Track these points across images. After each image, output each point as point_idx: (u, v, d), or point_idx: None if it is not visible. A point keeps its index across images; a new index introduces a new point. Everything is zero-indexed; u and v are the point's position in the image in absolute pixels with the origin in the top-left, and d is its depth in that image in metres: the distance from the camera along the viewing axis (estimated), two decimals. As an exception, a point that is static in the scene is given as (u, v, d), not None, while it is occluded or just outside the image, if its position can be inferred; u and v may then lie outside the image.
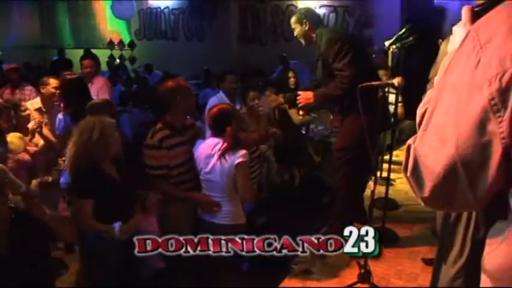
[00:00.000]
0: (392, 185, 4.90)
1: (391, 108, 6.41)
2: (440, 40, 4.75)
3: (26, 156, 4.04)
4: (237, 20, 11.95)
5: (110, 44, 13.92)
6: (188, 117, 3.79)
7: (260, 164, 4.66)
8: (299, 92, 4.25)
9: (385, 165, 4.97)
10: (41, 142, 4.45)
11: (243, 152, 3.49)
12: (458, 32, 1.22)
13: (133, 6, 13.38)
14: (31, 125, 4.41)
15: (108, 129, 3.29)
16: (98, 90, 5.82)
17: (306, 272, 3.77)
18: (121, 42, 13.87)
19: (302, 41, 4.28)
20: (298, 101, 4.19)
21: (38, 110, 4.93)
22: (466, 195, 1.05)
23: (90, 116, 3.51)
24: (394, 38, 3.84)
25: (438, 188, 1.07)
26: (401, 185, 5.32)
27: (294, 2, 11.20)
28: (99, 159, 3.25)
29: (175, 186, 3.55)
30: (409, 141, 1.14)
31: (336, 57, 3.90)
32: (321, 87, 4.15)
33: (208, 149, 3.52)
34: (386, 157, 4.98)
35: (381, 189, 4.00)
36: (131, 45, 13.63)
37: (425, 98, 1.18)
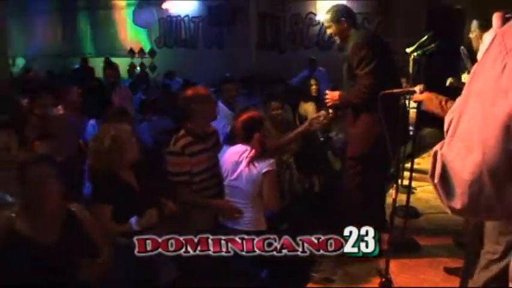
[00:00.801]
0: (413, 193, 4.85)
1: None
2: (462, 47, 4.70)
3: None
4: (256, 28, 12.00)
5: (131, 52, 14.07)
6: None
7: (283, 171, 4.65)
8: (326, 92, 4.15)
9: (406, 173, 4.93)
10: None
11: (271, 160, 3.49)
12: (488, 39, 1.21)
13: (153, 15, 13.54)
14: None
15: (122, 136, 3.31)
16: (121, 98, 5.89)
17: (327, 280, 3.74)
18: (141, 51, 14.01)
19: (337, 39, 4.07)
20: (325, 101, 4.07)
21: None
22: (492, 204, 1.03)
23: (105, 124, 3.54)
24: (415, 45, 3.82)
25: (466, 195, 1.05)
26: (422, 193, 5.26)
27: (313, 10, 11.22)
28: (115, 166, 3.26)
29: (197, 193, 3.57)
30: (436, 147, 1.12)
31: (360, 64, 3.75)
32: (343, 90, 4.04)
33: (236, 155, 3.53)
34: (407, 165, 4.94)
35: (401, 197, 3.96)
36: (151, 53, 13.76)
37: (454, 105, 1.16)
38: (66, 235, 2.73)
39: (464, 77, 4.60)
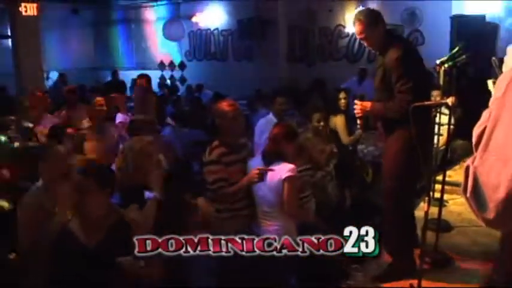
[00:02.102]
0: (445, 206, 4.78)
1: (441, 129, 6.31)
2: (493, 58, 4.64)
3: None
4: (286, 41, 12.05)
5: (161, 65, 14.27)
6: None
7: (327, 182, 4.66)
8: (356, 102, 3.90)
9: (437, 186, 4.87)
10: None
11: (290, 166, 3.49)
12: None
13: (183, 28, 13.71)
14: None
15: (148, 149, 3.36)
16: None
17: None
18: (171, 64, 14.19)
19: (369, 44, 3.78)
20: (355, 110, 3.86)
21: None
22: None
23: (133, 137, 3.60)
24: (446, 56, 3.78)
25: (501, 208, 1.04)
26: (454, 206, 5.18)
27: (342, 22, 11.21)
28: (141, 178, 3.32)
29: (229, 204, 3.60)
30: (468, 161, 1.12)
31: (402, 78, 3.53)
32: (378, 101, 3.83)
33: (261, 163, 3.57)
34: (439, 177, 4.88)
35: (433, 210, 3.90)
36: (181, 66, 13.92)
37: (482, 118, 1.16)
38: (110, 238, 2.87)
39: (490, 86, 4.53)
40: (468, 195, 1.10)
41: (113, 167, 3.93)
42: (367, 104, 3.79)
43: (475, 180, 1.09)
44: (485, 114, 1.16)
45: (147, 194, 3.25)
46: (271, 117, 5.39)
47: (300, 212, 3.79)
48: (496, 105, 1.11)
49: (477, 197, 1.10)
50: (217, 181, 3.57)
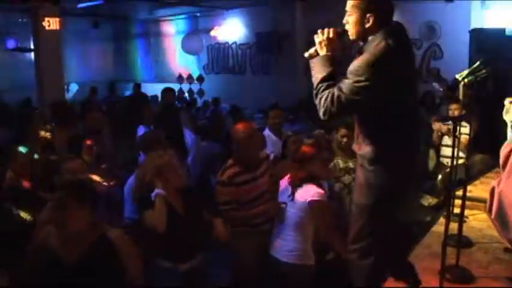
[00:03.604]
0: (465, 221, 4.72)
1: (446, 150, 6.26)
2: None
3: (102, 187, 4.20)
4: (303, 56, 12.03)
5: (179, 79, 14.39)
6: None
7: (344, 195, 4.61)
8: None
9: (457, 201, 4.81)
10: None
11: (317, 190, 3.46)
12: None
13: (202, 42, 13.83)
14: None
15: (167, 165, 3.37)
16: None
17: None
18: (190, 77, 14.31)
19: (353, 36, 2.84)
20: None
21: None
22: None
23: (151, 153, 3.62)
24: (467, 71, 3.76)
25: None
26: (474, 221, 5.10)
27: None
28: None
29: (246, 220, 3.59)
30: (494, 183, 1.11)
31: (352, 75, 2.62)
32: None
33: (284, 182, 3.56)
34: (459, 192, 4.82)
35: (453, 226, 3.86)
36: (200, 79, 14.02)
37: (509, 138, 1.15)
38: (91, 257, 2.81)
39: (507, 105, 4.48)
40: (493, 216, 1.10)
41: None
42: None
43: (500, 202, 1.09)
44: (509, 133, 1.15)
45: (153, 193, 3.27)
46: (267, 133, 5.32)
47: (337, 239, 3.52)
48: None
49: (502, 219, 1.10)
50: (227, 203, 3.57)
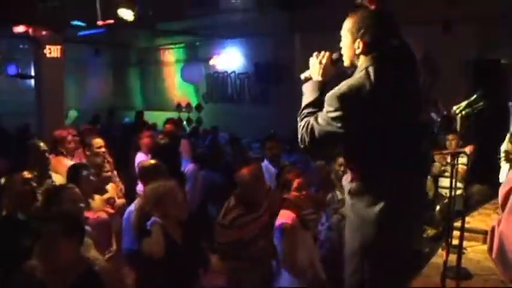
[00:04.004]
0: (463, 253, 4.70)
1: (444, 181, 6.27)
2: (510, 103, 4.67)
3: (104, 215, 4.19)
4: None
5: (178, 107, 14.45)
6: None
7: (342, 226, 4.54)
8: None
9: (455, 232, 4.79)
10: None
11: (289, 214, 3.44)
12: None
13: (201, 71, 13.93)
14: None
15: (168, 195, 3.38)
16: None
17: None
18: (189, 105, 14.37)
19: (346, 62, 2.65)
20: None
21: None
22: None
23: (152, 183, 3.62)
24: (464, 104, 3.81)
25: None
26: (473, 253, 5.08)
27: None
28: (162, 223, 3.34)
29: (248, 256, 3.55)
30: (494, 223, 1.13)
31: (326, 104, 2.45)
32: None
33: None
34: (457, 224, 4.81)
35: (451, 258, 3.85)
36: (198, 108, 14.09)
37: (509, 177, 1.16)
38: None
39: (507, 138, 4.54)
40: (494, 256, 1.11)
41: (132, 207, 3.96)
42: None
43: (501, 243, 1.09)
44: (510, 173, 1.17)
45: (150, 221, 3.26)
46: (266, 164, 5.32)
47: (299, 268, 3.46)
48: None
49: (503, 259, 1.10)
50: (227, 244, 3.54)
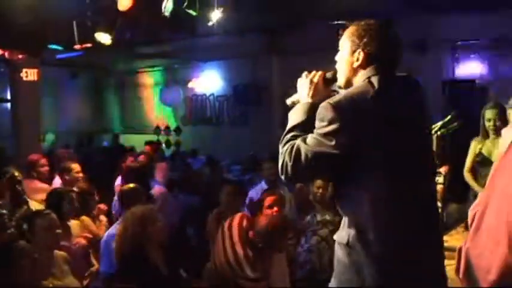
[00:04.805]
0: (442, 272, 4.73)
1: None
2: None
3: (83, 242, 4.14)
4: (280, 107, 12.21)
5: (157, 130, 14.41)
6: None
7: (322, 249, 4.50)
8: None
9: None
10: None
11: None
12: (509, 134, 1.25)
13: (179, 94, 13.93)
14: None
15: (148, 219, 3.36)
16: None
17: None
18: (167, 128, 14.33)
19: (340, 82, 2.33)
20: None
21: None
22: None
23: (131, 207, 3.60)
24: (439, 124, 3.88)
25: None
26: (451, 272, 5.10)
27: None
28: (142, 248, 3.31)
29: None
30: (461, 244, 1.15)
31: (317, 120, 2.10)
32: None
33: None
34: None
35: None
36: (177, 130, 14.06)
37: (477, 200, 1.19)
38: None
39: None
40: (461, 276, 1.13)
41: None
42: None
43: (467, 262, 1.12)
44: (480, 196, 1.20)
45: None
46: (262, 185, 5.35)
47: None
48: (487, 188, 1.14)
49: (470, 278, 1.13)
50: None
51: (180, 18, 6.19)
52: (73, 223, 4.35)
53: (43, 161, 6.00)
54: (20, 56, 8.88)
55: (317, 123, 2.08)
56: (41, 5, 6.93)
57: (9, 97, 10.53)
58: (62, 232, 3.80)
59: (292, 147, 2.10)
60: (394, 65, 2.24)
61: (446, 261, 5.03)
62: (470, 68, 9.21)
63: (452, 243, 5.35)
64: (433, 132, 3.97)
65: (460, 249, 1.14)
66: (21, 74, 9.10)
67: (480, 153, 4.69)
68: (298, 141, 2.09)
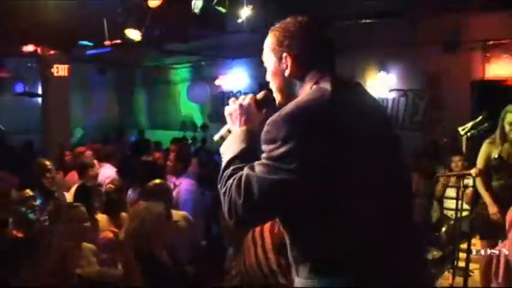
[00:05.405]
0: (470, 276, 4.68)
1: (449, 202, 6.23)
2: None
3: (110, 235, 4.20)
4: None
5: (183, 126, 14.49)
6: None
7: None
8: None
9: (462, 255, 4.76)
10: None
11: None
12: None
13: (206, 91, 13.97)
14: None
15: (155, 218, 3.37)
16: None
17: None
18: (194, 125, 14.41)
19: (277, 98, 1.99)
20: None
21: None
22: None
23: (143, 202, 3.62)
24: (469, 125, 3.83)
25: None
26: (479, 276, 5.06)
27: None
28: (150, 246, 3.33)
29: None
30: (499, 245, 1.13)
31: (264, 143, 1.69)
32: None
33: None
34: (463, 246, 4.78)
35: (457, 280, 3.83)
36: (204, 127, 14.12)
37: None
38: None
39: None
40: (500, 280, 1.11)
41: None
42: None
43: (507, 265, 1.10)
44: None
45: None
46: None
47: None
48: None
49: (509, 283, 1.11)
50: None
51: (209, 15, 6.21)
52: (100, 217, 4.40)
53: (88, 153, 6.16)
54: (52, 52, 9.05)
55: (265, 147, 1.65)
56: (72, 2, 7.05)
57: (40, 92, 10.75)
58: (90, 225, 3.86)
59: (240, 180, 1.64)
60: (333, 66, 1.87)
61: (474, 265, 4.99)
62: (501, 68, 9.04)
63: (479, 246, 5.30)
64: (462, 133, 3.92)
65: (498, 254, 1.12)
66: (52, 70, 9.28)
67: (499, 157, 4.39)
68: (245, 172, 1.65)
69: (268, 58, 1.94)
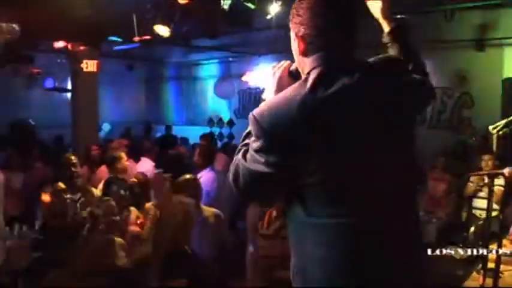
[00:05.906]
0: (500, 277, 4.59)
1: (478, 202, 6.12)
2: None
3: (137, 229, 4.25)
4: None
5: (210, 122, 14.55)
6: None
7: None
8: None
9: (491, 255, 4.67)
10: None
11: None
12: None
13: (234, 87, 14.01)
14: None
15: (190, 211, 3.39)
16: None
17: None
18: (220, 121, 14.45)
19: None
20: None
21: None
22: None
23: (176, 196, 3.64)
24: (502, 123, 3.74)
25: None
26: (510, 277, 4.95)
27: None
28: (181, 240, 3.34)
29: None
30: None
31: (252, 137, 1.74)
32: None
33: None
34: (493, 246, 4.69)
35: (487, 282, 3.76)
36: (230, 123, 14.15)
37: None
38: None
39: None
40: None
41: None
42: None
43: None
44: None
45: None
46: None
47: None
48: None
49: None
50: (269, 258, 3.47)
51: (237, 11, 6.21)
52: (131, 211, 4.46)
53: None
54: (81, 48, 9.16)
55: (252, 135, 1.71)
56: (101, -2, 7.13)
57: (69, 87, 10.90)
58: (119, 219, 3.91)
59: (234, 162, 1.77)
60: (344, 45, 1.75)
61: (504, 267, 4.89)
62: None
63: (511, 247, 5.19)
64: (494, 132, 3.83)
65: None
66: (82, 65, 9.40)
67: None
68: (240, 156, 1.75)
69: (292, 31, 1.86)
